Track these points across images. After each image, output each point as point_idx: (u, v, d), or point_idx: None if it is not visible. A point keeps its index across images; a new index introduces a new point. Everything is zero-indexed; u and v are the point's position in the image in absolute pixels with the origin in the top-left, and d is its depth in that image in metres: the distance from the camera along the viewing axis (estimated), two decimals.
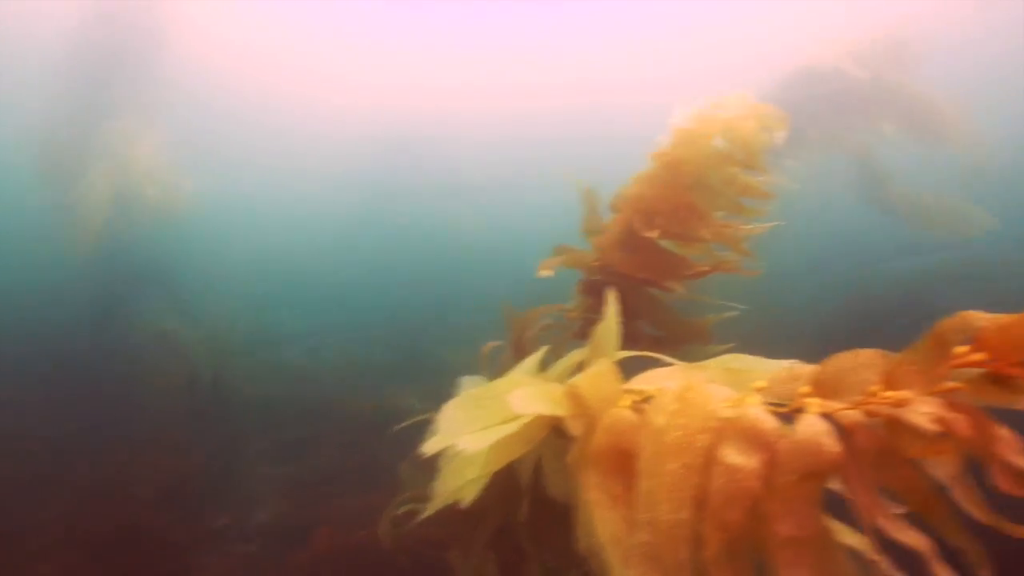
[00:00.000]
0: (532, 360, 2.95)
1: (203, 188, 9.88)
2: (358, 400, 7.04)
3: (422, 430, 2.40)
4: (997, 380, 1.14)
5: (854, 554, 1.32)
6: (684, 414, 1.48)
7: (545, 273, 3.40)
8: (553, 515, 2.77)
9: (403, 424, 3.15)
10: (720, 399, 1.47)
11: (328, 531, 4.87)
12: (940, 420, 1.13)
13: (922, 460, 1.22)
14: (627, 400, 1.93)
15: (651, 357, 2.28)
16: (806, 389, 1.35)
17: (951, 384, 1.18)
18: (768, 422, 1.32)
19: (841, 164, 8.40)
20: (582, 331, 3.57)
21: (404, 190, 16.86)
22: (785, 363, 1.90)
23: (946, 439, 1.13)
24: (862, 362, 1.30)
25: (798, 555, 1.20)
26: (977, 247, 8.59)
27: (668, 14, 16.56)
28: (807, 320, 6.87)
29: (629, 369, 2.16)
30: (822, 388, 1.34)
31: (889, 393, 1.21)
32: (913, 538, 1.19)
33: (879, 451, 1.20)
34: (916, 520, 1.23)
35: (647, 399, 1.86)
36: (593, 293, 3.54)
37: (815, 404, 1.30)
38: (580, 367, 2.52)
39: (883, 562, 1.23)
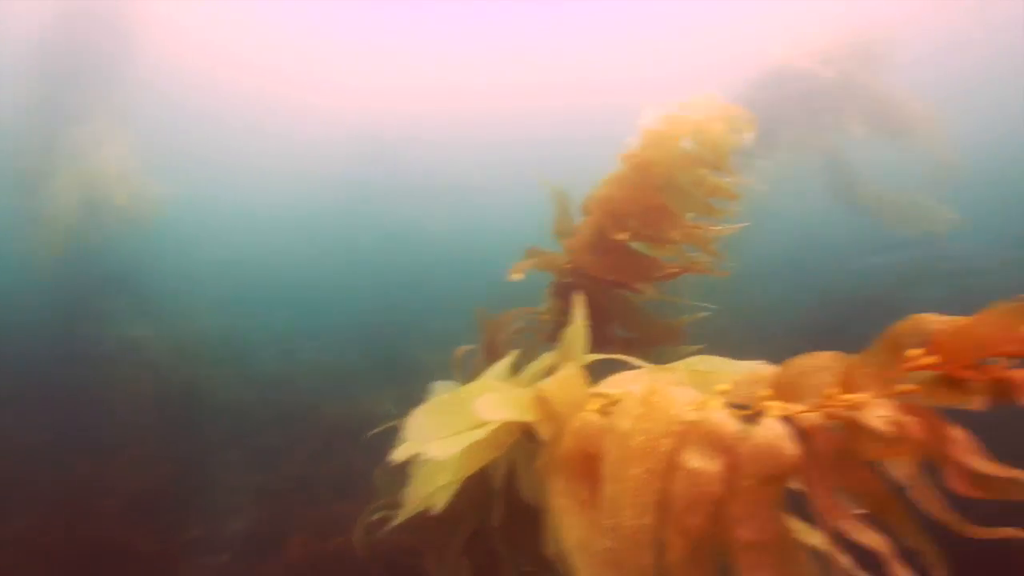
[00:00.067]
0: (503, 364, 2.94)
1: (174, 191, 9.71)
2: (333, 405, 6.97)
3: (397, 435, 2.39)
4: (950, 382, 1.15)
5: (817, 554, 1.33)
6: (648, 418, 1.47)
7: (516, 276, 3.39)
8: (528, 519, 2.76)
9: (377, 429, 3.12)
10: (684, 402, 1.47)
11: (302, 540, 4.81)
12: (894, 423, 1.13)
13: (881, 462, 1.23)
14: (595, 404, 1.93)
15: (621, 360, 2.28)
16: (766, 392, 1.36)
17: (905, 387, 1.18)
18: (730, 425, 1.32)
19: (813, 164, 8.52)
20: (554, 334, 3.57)
21: (380, 191, 16.76)
22: (752, 364, 1.91)
23: (902, 441, 1.14)
24: (820, 365, 1.30)
25: (759, 559, 1.20)
26: (946, 244, 8.75)
27: (642, 18, 16.70)
28: (779, 319, 6.94)
29: (602, 372, 2.15)
30: (782, 391, 1.34)
31: (846, 396, 1.21)
32: (872, 539, 1.20)
33: (837, 453, 1.21)
34: (878, 521, 1.24)
35: (614, 403, 1.86)
36: (565, 296, 3.54)
37: (775, 407, 1.30)
38: (551, 371, 2.51)
39: (845, 562, 1.24)
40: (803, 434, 1.25)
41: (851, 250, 9.22)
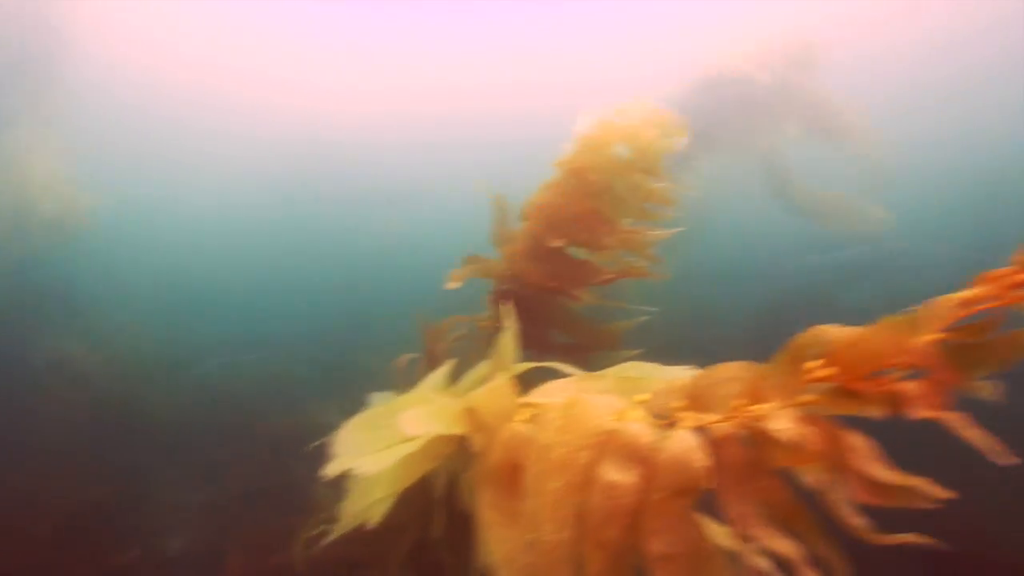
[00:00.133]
0: (439, 374, 2.92)
1: (107, 199, 9.36)
2: (278, 416, 6.81)
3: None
4: (847, 393, 1.18)
5: (735, 560, 1.34)
6: (568, 430, 1.47)
7: (454, 285, 3.37)
8: (471, 528, 2.74)
9: (322, 440, 3.06)
10: (604, 413, 1.47)
11: (243, 557, 4.69)
12: (795, 433, 1.15)
13: (791, 470, 1.25)
14: (524, 414, 1.92)
15: (551, 367, 2.28)
16: (680, 403, 1.37)
17: (806, 397, 1.21)
18: (646, 436, 1.33)
19: (752, 166, 8.72)
20: (493, 342, 3.56)
21: (329, 195, 16.48)
22: (680, 370, 1.93)
23: (803, 450, 1.16)
24: (730, 375, 1.32)
25: (674, 570, 1.21)
26: (882, 243, 9.08)
27: (585, 24, 16.87)
28: (721, 319, 7.07)
29: (542, 379, 2.15)
30: (696, 400, 1.36)
31: (753, 406, 1.23)
32: (784, 546, 1.21)
33: (746, 463, 1.22)
34: (787, 528, 1.25)
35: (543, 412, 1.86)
36: (505, 303, 3.53)
37: (688, 418, 1.31)
38: (487, 380, 2.50)
39: (763, 567, 1.25)
40: (714, 444, 1.26)
41: (790, 250, 9.46)
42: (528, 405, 1.97)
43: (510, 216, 3.56)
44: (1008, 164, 15.16)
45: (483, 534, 1.77)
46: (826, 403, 1.19)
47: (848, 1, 14.57)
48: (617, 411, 1.46)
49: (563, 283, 3.40)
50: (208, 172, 19.55)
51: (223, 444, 6.57)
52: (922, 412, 1.04)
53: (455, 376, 2.95)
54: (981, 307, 1.09)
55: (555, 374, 2.20)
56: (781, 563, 1.21)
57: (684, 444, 1.24)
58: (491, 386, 2.08)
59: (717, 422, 1.27)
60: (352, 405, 3.03)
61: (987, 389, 1.13)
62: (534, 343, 3.65)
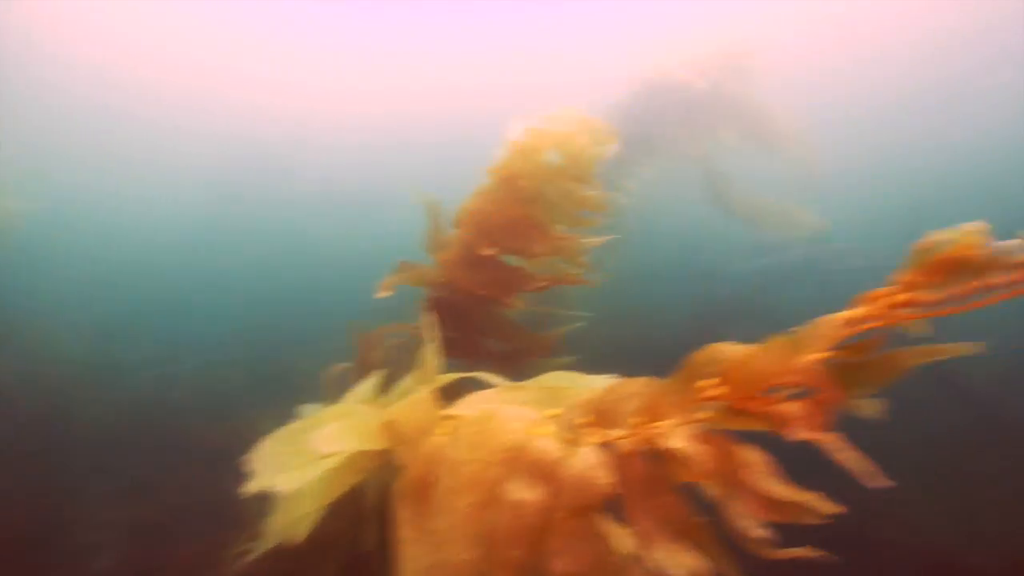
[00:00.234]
0: (367, 385, 2.87)
1: (31, 203, 8.94)
2: (212, 428, 6.60)
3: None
4: (737, 411, 1.19)
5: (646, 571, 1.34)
6: (480, 445, 1.45)
7: (385, 292, 3.31)
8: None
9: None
10: (515, 428, 1.45)
11: (173, 575, 4.53)
12: (691, 449, 1.16)
13: (696, 485, 1.26)
14: (446, 427, 1.89)
15: (474, 377, 2.26)
16: (587, 418, 1.36)
17: (700, 415, 1.22)
18: (552, 453, 1.32)
19: (690, 172, 8.87)
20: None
21: (270, 198, 16.05)
22: (604, 379, 1.93)
23: (698, 467, 1.17)
24: (632, 391, 1.32)
25: None
26: (818, 246, 9.35)
27: (523, 30, 16.96)
28: (660, 324, 7.15)
29: (475, 388, 2.12)
30: (602, 416, 1.36)
31: (652, 423, 1.23)
32: (688, 560, 1.22)
33: (648, 479, 1.22)
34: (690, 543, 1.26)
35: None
36: (438, 311, 3.50)
37: (593, 434, 1.31)
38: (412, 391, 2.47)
39: None
40: (619, 460, 1.26)
41: (728, 255, 9.64)
42: (449, 418, 1.94)
43: (444, 223, 3.53)
44: (996, 163, 15.68)
45: (399, 551, 1.74)
46: (719, 420, 1.21)
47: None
48: (528, 426, 1.44)
49: (496, 290, 3.38)
50: (145, 176, 18.84)
51: (155, 459, 6.35)
52: (801, 433, 1.06)
53: (387, 386, 2.91)
54: (865, 327, 1.12)
55: (487, 384, 2.18)
56: None
57: (587, 461, 1.23)
58: (412, 399, 2.05)
59: (621, 438, 1.27)
60: (289, 416, 2.96)
61: (870, 408, 1.16)
62: (469, 351, 3.63)
